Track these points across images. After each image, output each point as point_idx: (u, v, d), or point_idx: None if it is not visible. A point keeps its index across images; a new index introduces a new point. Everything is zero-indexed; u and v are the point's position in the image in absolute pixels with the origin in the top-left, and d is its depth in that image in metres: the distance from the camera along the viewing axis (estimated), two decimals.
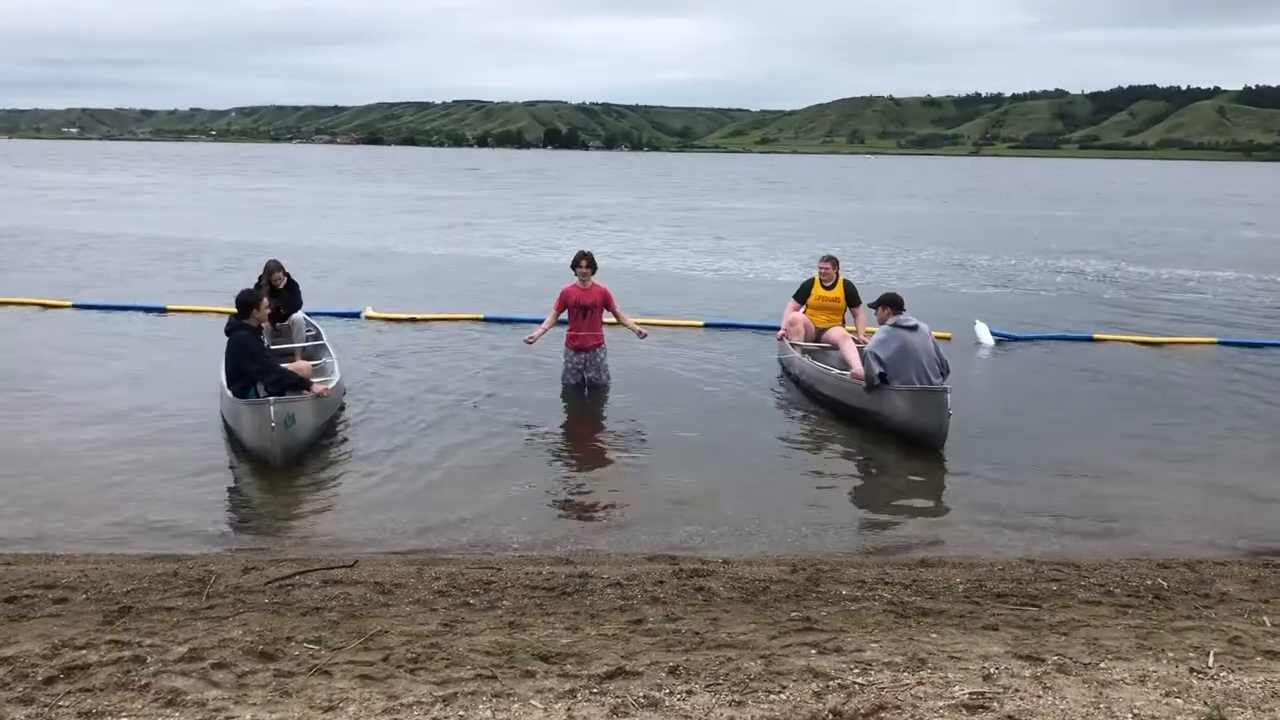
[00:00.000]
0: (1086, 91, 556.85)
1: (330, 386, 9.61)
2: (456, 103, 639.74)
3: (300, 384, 9.12)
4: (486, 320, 15.72)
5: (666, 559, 6.54)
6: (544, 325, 11.43)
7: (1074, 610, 5.56)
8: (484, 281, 20.91)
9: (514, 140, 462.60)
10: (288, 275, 12.07)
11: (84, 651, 4.64)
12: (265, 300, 9.82)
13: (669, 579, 5.99)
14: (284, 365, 9.66)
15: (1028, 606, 5.62)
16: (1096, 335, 15.36)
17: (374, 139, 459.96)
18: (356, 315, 15.75)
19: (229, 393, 9.11)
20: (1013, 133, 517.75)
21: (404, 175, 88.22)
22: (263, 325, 9.77)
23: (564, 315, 11.39)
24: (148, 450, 8.93)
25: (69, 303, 16.38)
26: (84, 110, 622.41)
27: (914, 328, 9.91)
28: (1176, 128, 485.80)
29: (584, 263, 11.21)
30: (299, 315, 12.01)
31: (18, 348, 13.20)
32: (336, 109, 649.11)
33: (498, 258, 25.37)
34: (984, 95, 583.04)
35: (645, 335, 11.72)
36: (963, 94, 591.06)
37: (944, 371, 9.95)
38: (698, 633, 5.02)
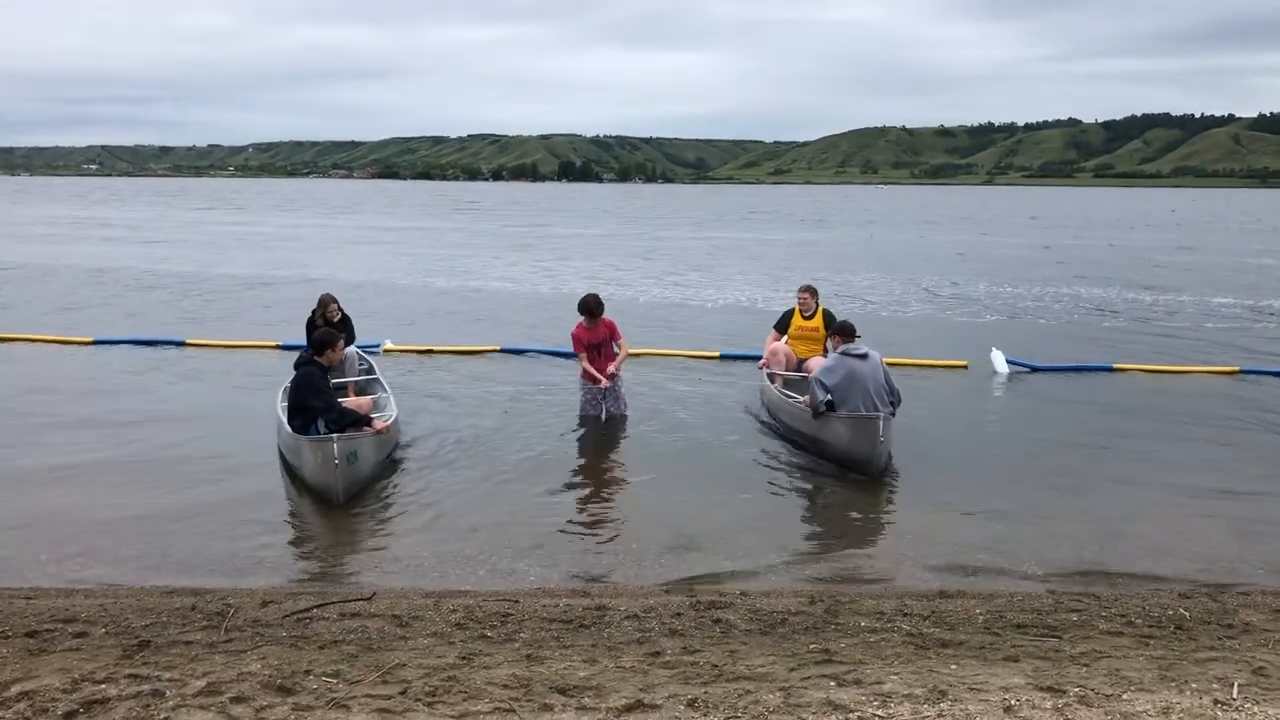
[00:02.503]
0: (1100, 120, 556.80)
1: (389, 423, 9.63)
2: (471, 137, 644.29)
3: (360, 421, 9.08)
4: (504, 351, 15.77)
5: (684, 591, 6.53)
6: (586, 367, 11.38)
7: (1095, 641, 5.51)
8: (463, 311, 20.98)
9: (529, 174, 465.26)
10: (341, 309, 12.09)
11: (103, 685, 4.65)
12: (340, 341, 9.80)
13: (686, 611, 5.97)
14: (343, 401, 9.63)
15: (1048, 637, 5.57)
16: (1117, 365, 15.28)
17: (390, 173, 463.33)
18: (376, 348, 15.82)
19: (288, 428, 9.13)
20: (1026, 161, 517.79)
21: (398, 207, 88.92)
22: (332, 364, 9.69)
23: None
24: (165, 485, 8.98)
25: (89, 339, 16.50)
26: (104, 147, 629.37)
27: (864, 356, 9.91)
28: (1190, 155, 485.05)
29: (588, 308, 11.25)
30: (352, 349, 11.92)
31: (35, 383, 13.31)
32: (353, 144, 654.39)
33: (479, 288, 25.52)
34: (997, 125, 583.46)
35: (612, 377, 11.38)
36: (976, 124, 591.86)
37: (895, 401, 9.94)
38: (716, 665, 5.00)
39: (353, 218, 70.03)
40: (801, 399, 10.50)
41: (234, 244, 41.58)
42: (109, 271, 28.53)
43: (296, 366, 9.40)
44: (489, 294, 24.46)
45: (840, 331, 10.33)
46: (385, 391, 11.21)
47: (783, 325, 12.38)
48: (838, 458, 9.71)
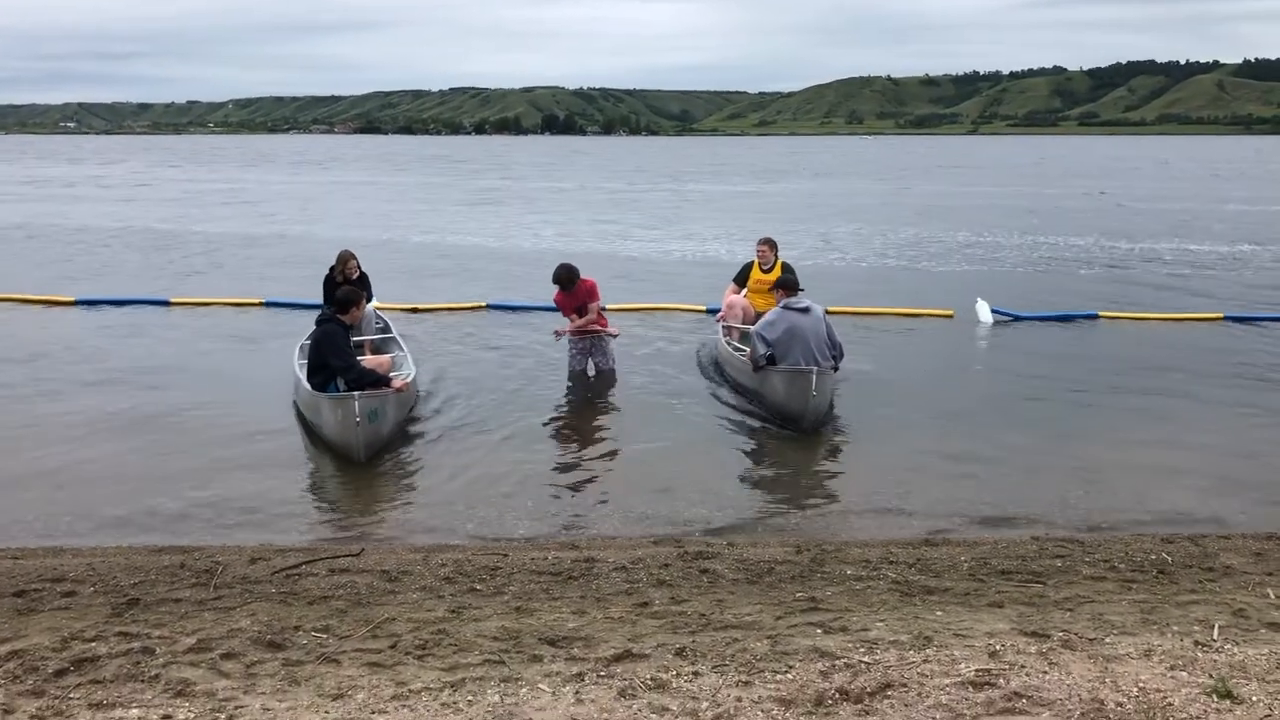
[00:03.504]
0: (1085, 68, 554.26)
1: (408, 380, 9.59)
2: (453, 90, 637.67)
3: (379, 381, 9.02)
4: (490, 308, 15.72)
5: (672, 542, 6.56)
6: (570, 329, 11.34)
7: (1079, 586, 5.57)
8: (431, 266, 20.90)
9: (511, 127, 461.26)
10: (360, 266, 11.94)
11: (93, 644, 4.66)
12: (363, 300, 9.68)
13: (674, 562, 6.01)
14: (361, 359, 9.55)
15: (1032, 583, 5.63)
16: (1102, 313, 15.33)
17: (371, 128, 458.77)
18: (325, 307, 15.71)
19: (307, 386, 9.10)
20: (1011, 110, 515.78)
21: (381, 164, 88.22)
22: (354, 323, 9.61)
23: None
24: (153, 444, 8.96)
25: (72, 298, 16.37)
26: (80, 104, 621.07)
27: (805, 310, 9.86)
28: (1175, 102, 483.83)
29: (559, 280, 11.17)
30: (369, 307, 11.71)
31: (21, 342, 13.22)
32: (334, 98, 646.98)
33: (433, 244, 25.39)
34: (982, 73, 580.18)
35: (610, 331, 11.49)
36: (961, 73, 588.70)
37: (837, 355, 9.91)
38: (704, 614, 5.04)
39: (331, 174, 69.48)
40: (743, 353, 10.45)
41: (210, 201, 41.21)
42: (86, 230, 28.25)
43: (318, 323, 9.35)
44: (467, 250, 24.25)
45: (782, 285, 10.27)
46: (402, 350, 11.14)
47: (741, 278, 12.25)
48: (775, 411, 9.66)
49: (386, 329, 12.07)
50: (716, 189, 52.60)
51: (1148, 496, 7.72)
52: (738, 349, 10.95)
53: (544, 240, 26.56)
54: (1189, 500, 7.64)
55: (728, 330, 11.73)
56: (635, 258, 22.77)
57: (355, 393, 8.47)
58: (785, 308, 9.93)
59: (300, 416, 9.57)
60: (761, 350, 9.72)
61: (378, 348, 11.31)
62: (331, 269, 11.96)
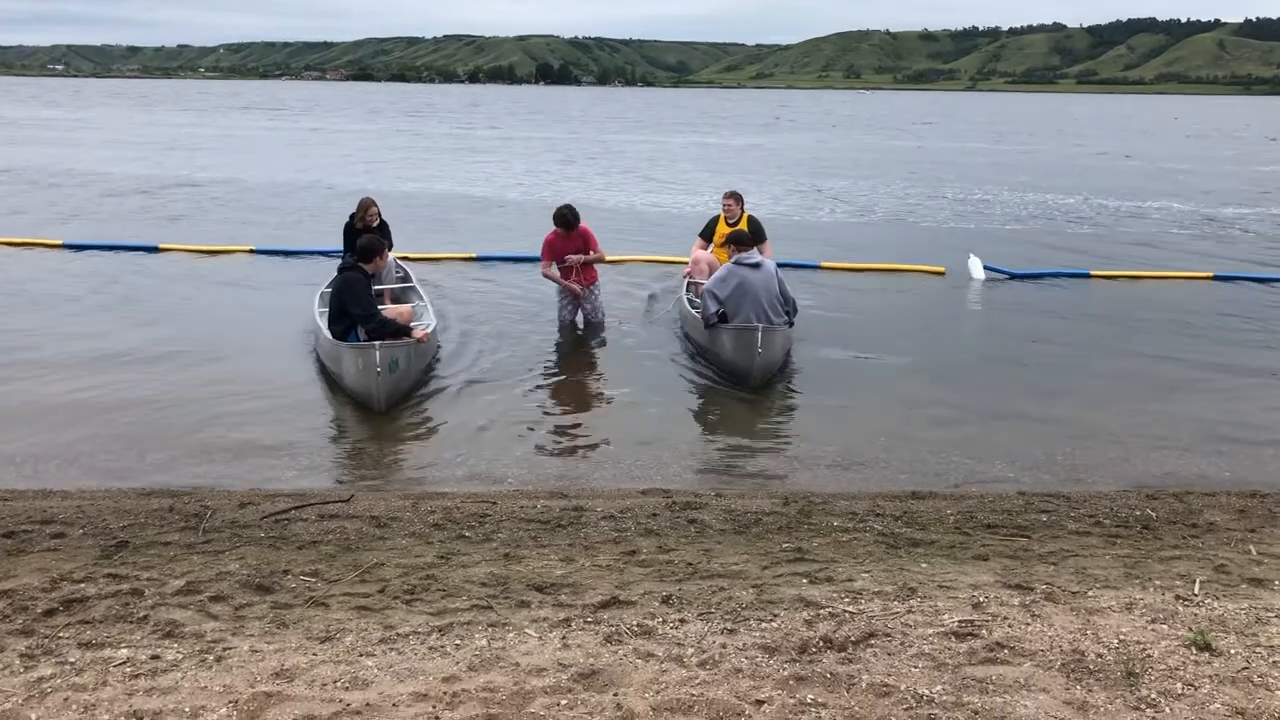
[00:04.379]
0: (1085, 25, 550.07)
1: (429, 330, 9.54)
2: (447, 37, 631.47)
3: (400, 330, 8.97)
4: (479, 260, 15.65)
5: (660, 492, 6.59)
6: (559, 278, 11.25)
7: (1063, 541, 5.62)
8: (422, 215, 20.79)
9: (505, 75, 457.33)
10: (380, 214, 11.78)
11: (82, 585, 4.68)
12: (385, 249, 9.55)
13: (662, 512, 6.04)
14: (382, 309, 9.47)
15: (1017, 537, 5.67)
16: (1094, 272, 15.33)
17: (364, 75, 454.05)
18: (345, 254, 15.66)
19: (327, 334, 9.06)
20: (1010, 67, 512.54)
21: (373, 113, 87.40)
22: (377, 271, 9.54)
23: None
24: (139, 386, 8.93)
25: (59, 241, 16.25)
26: (69, 47, 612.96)
27: (756, 265, 9.75)
28: (1175, 61, 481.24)
29: (564, 219, 11.07)
30: (390, 256, 11.47)
31: (9, 285, 13.14)
32: (326, 45, 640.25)
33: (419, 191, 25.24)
34: (981, 29, 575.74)
35: (594, 260, 11.40)
36: (960, 27, 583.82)
37: (790, 311, 9.82)
38: (690, 563, 5.07)
39: (318, 119, 68.93)
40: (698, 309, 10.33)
41: (197, 147, 40.89)
42: (68, 174, 28.04)
43: (340, 271, 9.27)
44: (451, 198, 24.10)
45: (734, 240, 10.16)
46: (422, 300, 11.08)
47: (708, 233, 12.08)
48: (724, 368, 9.60)
49: (407, 278, 12.00)
50: (710, 141, 52.29)
51: (1134, 453, 7.76)
52: (695, 304, 10.87)
53: (527, 190, 26.42)
54: (1175, 458, 7.68)
55: (693, 286, 11.59)
56: (620, 208, 22.66)
57: (376, 342, 8.43)
58: (736, 263, 9.80)
59: (320, 365, 9.55)
60: (713, 308, 9.63)
61: (398, 297, 11.25)
62: (351, 216, 11.81)
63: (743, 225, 11.48)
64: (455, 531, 5.63)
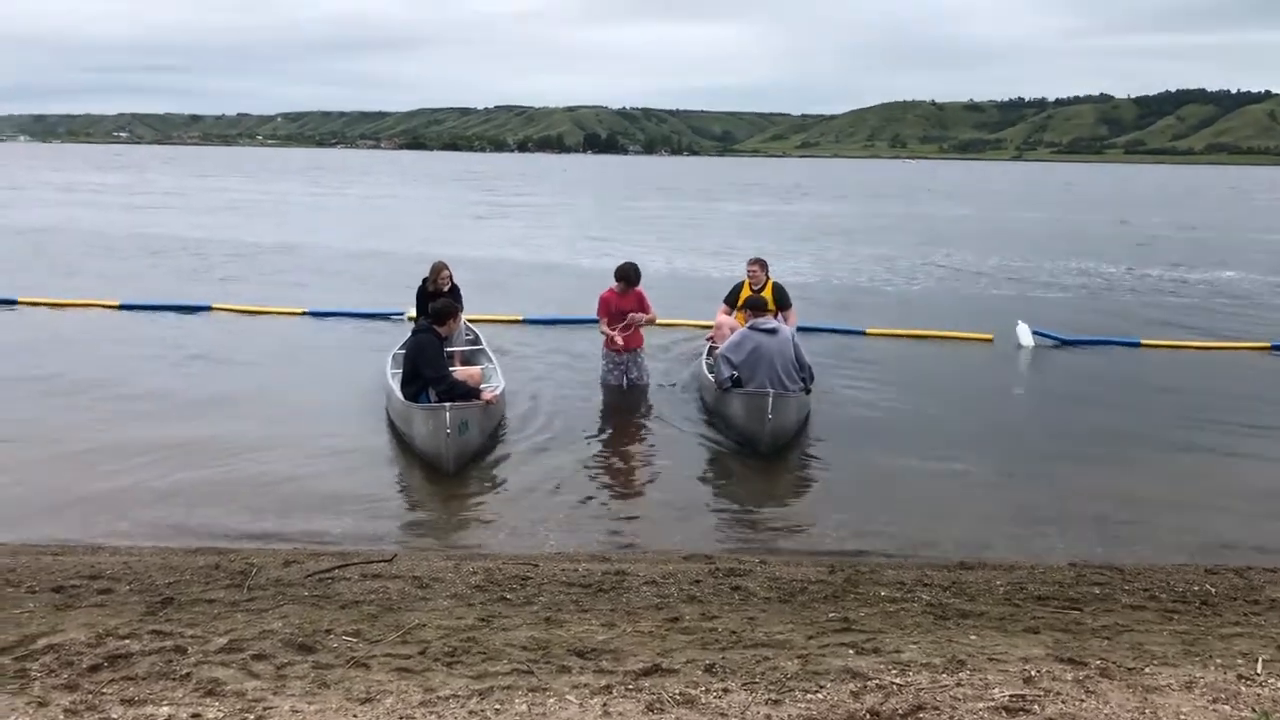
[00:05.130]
0: (1132, 96, 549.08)
1: (499, 393, 9.62)
2: (499, 108, 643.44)
3: (470, 393, 9.04)
4: (526, 322, 15.76)
5: (703, 558, 6.52)
6: (606, 329, 11.36)
7: (1118, 615, 5.47)
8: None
9: (554, 145, 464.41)
10: (452, 277, 11.93)
11: (127, 641, 4.70)
12: (460, 312, 9.65)
13: (705, 578, 5.97)
14: (453, 371, 9.56)
15: (1070, 610, 5.53)
16: (1145, 340, 15.12)
17: (417, 144, 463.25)
18: (400, 315, 15.87)
19: (399, 395, 9.17)
20: (1056, 137, 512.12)
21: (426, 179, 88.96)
22: (450, 334, 9.63)
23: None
24: (188, 444, 9.03)
25: (117, 303, 16.61)
26: (133, 115, 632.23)
27: (772, 331, 9.70)
28: (1225, 132, 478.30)
29: (625, 275, 11.23)
30: (461, 319, 11.56)
31: (61, 345, 13.42)
32: (381, 114, 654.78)
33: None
34: (1027, 100, 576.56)
35: (647, 321, 11.46)
36: (1006, 99, 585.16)
37: (806, 378, 9.73)
38: (734, 631, 5.00)
39: (370, 186, 70.33)
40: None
41: (251, 210, 41.86)
42: (111, 236, 28.76)
43: (414, 333, 9.43)
44: (496, 262, 24.37)
45: (750, 305, 10.12)
46: (491, 362, 11.17)
47: (733, 299, 12.02)
48: (736, 434, 9.51)
49: (476, 340, 12.14)
50: (749, 208, 52.56)
51: (1190, 526, 7.57)
52: (704, 371, 10.83)
53: (570, 255, 26.70)
54: (1233, 531, 7.48)
55: (715, 352, 11.56)
56: (669, 272, 22.77)
57: (446, 404, 8.50)
58: (752, 328, 9.78)
59: (391, 426, 9.64)
60: (726, 373, 9.60)
61: (468, 359, 11.36)
62: (424, 280, 11.98)
63: (767, 291, 11.46)
64: (497, 594, 5.60)
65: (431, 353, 9.06)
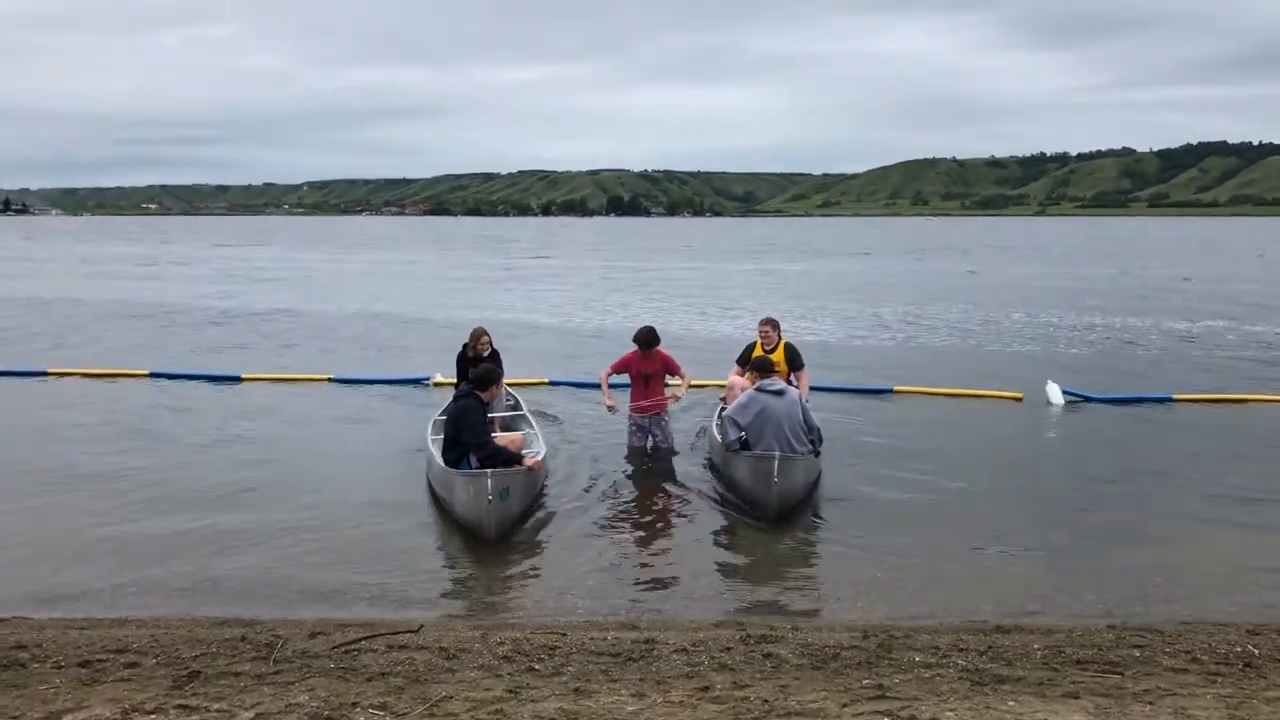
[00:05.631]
0: (1155, 149, 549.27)
1: (540, 459, 9.59)
2: (522, 173, 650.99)
3: (512, 459, 9.01)
4: (551, 384, 15.79)
5: (734, 625, 6.43)
6: (604, 390, 11.46)
7: (1159, 678, 5.34)
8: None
9: (578, 208, 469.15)
10: (491, 343, 12.00)
11: (153, 716, 4.67)
12: (501, 378, 9.68)
13: (736, 645, 5.88)
14: (494, 437, 9.52)
15: (1110, 674, 5.41)
16: (1177, 395, 14.94)
17: (441, 210, 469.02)
18: (425, 380, 15.94)
19: (440, 461, 9.17)
20: (1079, 192, 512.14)
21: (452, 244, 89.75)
22: (492, 399, 9.65)
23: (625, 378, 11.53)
24: (210, 517, 9.04)
25: (145, 371, 16.76)
26: (163, 187, 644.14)
27: (779, 393, 9.58)
28: (1249, 184, 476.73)
29: (641, 340, 11.29)
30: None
31: (90, 414, 13.53)
32: (405, 181, 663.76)
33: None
34: (1049, 155, 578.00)
35: (678, 398, 11.62)
36: (1027, 154, 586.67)
37: (814, 440, 9.60)
38: (767, 700, 4.90)
39: (397, 253, 71.14)
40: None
41: (276, 279, 42.38)
42: (133, 305, 29.30)
43: (456, 399, 9.43)
44: (519, 326, 24.50)
45: (757, 367, 10.04)
46: (532, 428, 11.14)
47: (745, 359, 11.85)
48: (743, 498, 9.37)
49: (517, 406, 12.15)
50: (783, 267, 52.72)
51: (1231, 585, 7.41)
52: (714, 433, 10.73)
53: (590, 317, 26.86)
54: (1275, 590, 7.32)
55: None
56: (689, 333, 22.81)
57: (488, 471, 8.44)
58: (759, 390, 9.67)
59: (431, 493, 9.63)
60: (733, 435, 9.51)
61: (508, 424, 11.34)
62: (465, 346, 12.05)
63: (779, 352, 11.38)
64: (525, 664, 5.53)
65: (474, 418, 9.05)
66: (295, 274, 46.47)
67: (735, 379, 11.75)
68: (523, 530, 8.74)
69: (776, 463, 8.92)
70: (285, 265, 54.15)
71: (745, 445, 9.48)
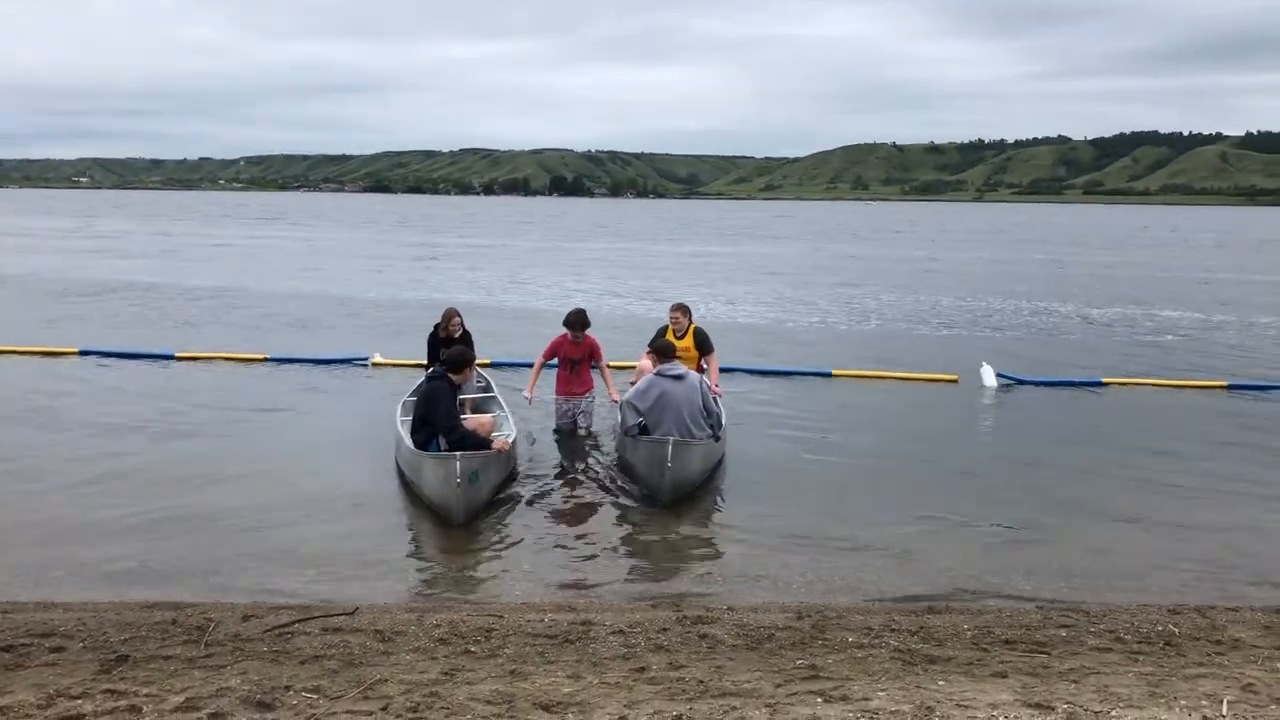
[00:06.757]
0: (1089, 138, 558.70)
1: (510, 442, 9.46)
2: (464, 151, 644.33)
3: (481, 442, 8.90)
4: (493, 366, 15.69)
5: (670, 606, 6.47)
6: (533, 378, 11.47)
7: (1084, 657, 5.47)
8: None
9: (520, 188, 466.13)
10: (463, 324, 11.86)
11: (79, 701, 4.58)
12: (474, 361, 9.61)
13: (673, 626, 5.92)
14: (464, 419, 9.39)
15: (1037, 653, 5.53)
16: (1106, 379, 15.29)
17: (381, 187, 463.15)
18: (364, 360, 15.77)
19: (409, 443, 9.04)
20: (1016, 178, 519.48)
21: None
22: (464, 382, 9.53)
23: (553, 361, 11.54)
24: (142, 499, 8.88)
25: (76, 350, 16.38)
26: (95, 160, 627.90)
27: (679, 377, 9.60)
28: (1179, 173, 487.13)
29: (571, 323, 11.29)
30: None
31: (20, 394, 13.21)
32: (344, 157, 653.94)
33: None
34: (987, 141, 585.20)
35: (616, 401, 11.55)
36: (966, 140, 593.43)
37: (714, 424, 9.63)
38: (702, 681, 4.94)
39: (331, 231, 70.18)
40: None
41: (206, 256, 41.59)
42: (74, 283, 28.57)
43: (427, 379, 9.31)
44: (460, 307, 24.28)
45: (657, 351, 10.02)
46: (503, 410, 11.01)
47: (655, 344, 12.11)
48: (638, 483, 9.37)
49: (488, 388, 12.02)
50: (716, 250, 52.89)
51: (1154, 567, 7.61)
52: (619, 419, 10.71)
53: (524, 296, 26.71)
54: (1195, 572, 7.53)
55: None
56: (626, 315, 22.82)
57: (456, 454, 8.34)
58: (659, 374, 9.66)
59: (400, 475, 9.51)
60: (632, 420, 9.51)
61: (479, 406, 11.22)
62: (436, 326, 11.90)
63: (688, 337, 11.33)
64: (460, 646, 5.52)
65: (444, 400, 8.96)
66: (241, 252, 45.63)
67: (645, 363, 11.68)
68: (492, 514, 8.67)
69: (670, 448, 8.89)
70: (209, 240, 53.12)
71: (645, 430, 9.45)
